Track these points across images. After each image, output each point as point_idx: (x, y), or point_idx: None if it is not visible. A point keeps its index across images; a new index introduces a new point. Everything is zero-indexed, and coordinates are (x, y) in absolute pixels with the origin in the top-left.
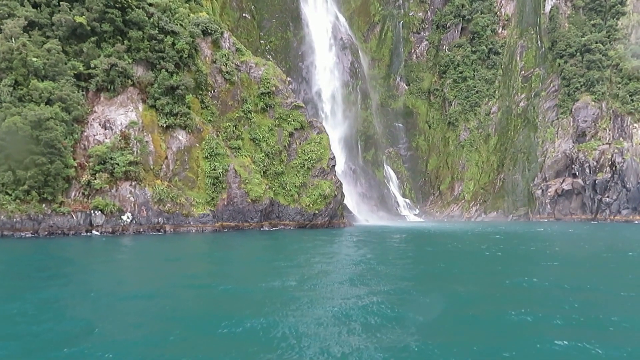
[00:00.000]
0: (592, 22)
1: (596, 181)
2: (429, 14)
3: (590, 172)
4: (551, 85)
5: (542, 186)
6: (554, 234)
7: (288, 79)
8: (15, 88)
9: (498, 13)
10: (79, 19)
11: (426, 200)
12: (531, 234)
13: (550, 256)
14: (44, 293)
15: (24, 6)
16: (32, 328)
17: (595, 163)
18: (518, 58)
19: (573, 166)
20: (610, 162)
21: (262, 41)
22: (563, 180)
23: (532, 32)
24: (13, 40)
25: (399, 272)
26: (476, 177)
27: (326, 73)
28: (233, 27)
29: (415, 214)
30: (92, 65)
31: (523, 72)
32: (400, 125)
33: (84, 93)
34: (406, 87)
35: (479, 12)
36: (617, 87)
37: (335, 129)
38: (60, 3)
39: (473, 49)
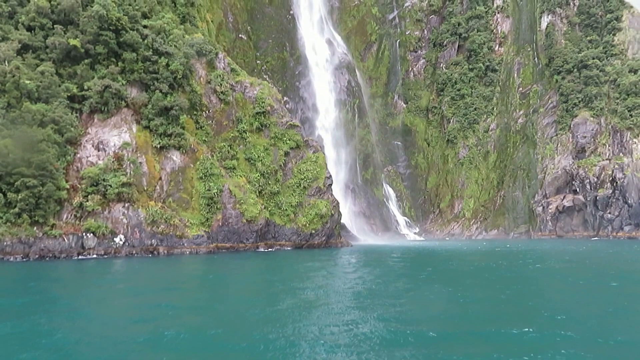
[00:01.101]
0: (588, 38)
1: (597, 197)
2: (425, 32)
3: (591, 188)
4: (549, 101)
5: (542, 203)
6: (557, 252)
7: (285, 98)
8: (7, 110)
9: (494, 31)
10: (72, 42)
11: (426, 219)
12: (533, 252)
13: (557, 276)
14: (25, 319)
15: (18, 30)
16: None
17: (595, 179)
18: (515, 75)
19: (573, 182)
20: (610, 178)
21: (258, 61)
22: (564, 197)
23: (529, 49)
24: (6, 63)
25: (396, 296)
26: (476, 194)
27: (323, 92)
28: (229, 48)
29: (415, 233)
30: (86, 87)
31: (521, 88)
32: (399, 143)
33: (77, 115)
34: (404, 105)
35: (476, 30)
36: (615, 102)
37: (333, 148)
38: (55, 26)
39: (470, 66)
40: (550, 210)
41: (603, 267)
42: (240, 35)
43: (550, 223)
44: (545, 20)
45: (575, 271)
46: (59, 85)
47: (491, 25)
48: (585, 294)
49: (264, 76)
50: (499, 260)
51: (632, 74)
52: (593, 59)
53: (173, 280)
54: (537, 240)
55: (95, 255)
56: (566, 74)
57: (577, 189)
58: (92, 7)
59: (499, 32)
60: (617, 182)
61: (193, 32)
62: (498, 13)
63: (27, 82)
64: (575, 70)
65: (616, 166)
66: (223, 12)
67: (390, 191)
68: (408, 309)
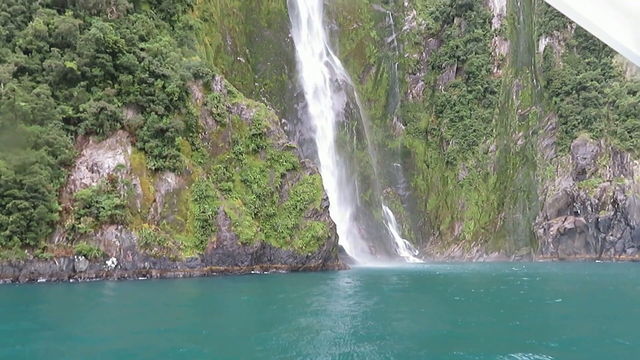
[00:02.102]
0: (586, 60)
1: (599, 219)
2: (424, 55)
3: (592, 210)
4: (548, 123)
5: (543, 225)
6: (562, 275)
7: (283, 120)
8: (1, 132)
9: (492, 53)
10: (69, 64)
11: (426, 241)
12: (536, 276)
13: (569, 302)
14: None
15: (15, 52)
16: None
17: (597, 201)
18: (514, 97)
19: (574, 204)
20: (612, 200)
21: (256, 84)
22: (565, 219)
23: (527, 71)
24: (1, 86)
25: (390, 326)
26: (476, 216)
27: (321, 114)
28: (227, 70)
29: (415, 255)
30: (81, 109)
31: (520, 110)
32: (398, 165)
33: (72, 137)
34: (403, 127)
35: (474, 52)
36: (614, 124)
37: (331, 170)
38: (52, 49)
39: (469, 88)
40: (551, 233)
41: (618, 291)
42: (238, 58)
43: (551, 245)
44: (543, 43)
45: (590, 296)
46: (55, 107)
47: (489, 48)
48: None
49: (262, 98)
50: (501, 285)
51: (631, 95)
52: (591, 80)
53: (163, 306)
54: (539, 263)
55: (87, 279)
56: (565, 96)
57: (578, 211)
58: (89, 30)
59: (497, 54)
60: (618, 204)
61: (191, 54)
62: (496, 36)
63: (22, 104)
64: (574, 92)
65: (617, 188)
66: (222, 35)
67: (389, 213)
68: (402, 338)
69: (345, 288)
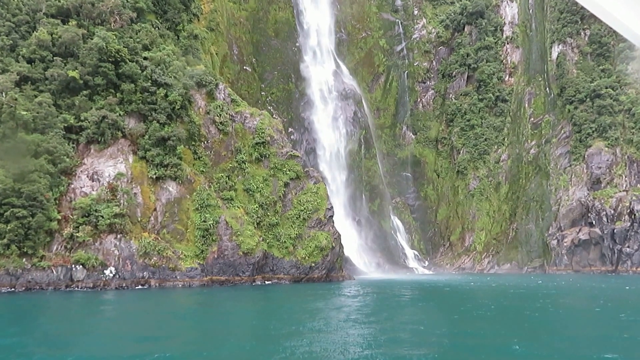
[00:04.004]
0: (600, 67)
1: (615, 230)
2: (434, 63)
3: (607, 221)
4: (562, 131)
5: (557, 236)
6: (584, 290)
7: (290, 129)
8: (2, 141)
9: (504, 61)
10: (71, 73)
11: (436, 252)
12: (554, 289)
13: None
14: None
15: (19, 62)
16: None
17: (612, 211)
18: (526, 105)
19: (589, 215)
20: (628, 210)
21: (263, 93)
22: (579, 230)
23: (540, 79)
24: (3, 95)
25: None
26: (487, 227)
27: (329, 123)
28: (234, 79)
29: (424, 267)
30: (83, 118)
31: (532, 118)
32: (408, 174)
33: (74, 145)
34: (413, 136)
35: (485, 60)
36: (630, 132)
37: (338, 179)
38: (55, 58)
39: (480, 96)
40: (565, 244)
41: None
42: (245, 67)
43: (565, 257)
44: (555, 50)
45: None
46: (57, 116)
47: (501, 55)
48: None
49: (269, 107)
50: (521, 301)
51: None
52: (606, 88)
53: (160, 317)
54: (554, 275)
55: (84, 289)
56: (579, 104)
57: (593, 222)
58: (92, 39)
59: (509, 62)
60: (635, 215)
61: (195, 64)
62: (507, 44)
63: (24, 112)
64: (588, 99)
65: (634, 198)
66: (228, 44)
67: (398, 223)
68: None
69: (346, 302)
